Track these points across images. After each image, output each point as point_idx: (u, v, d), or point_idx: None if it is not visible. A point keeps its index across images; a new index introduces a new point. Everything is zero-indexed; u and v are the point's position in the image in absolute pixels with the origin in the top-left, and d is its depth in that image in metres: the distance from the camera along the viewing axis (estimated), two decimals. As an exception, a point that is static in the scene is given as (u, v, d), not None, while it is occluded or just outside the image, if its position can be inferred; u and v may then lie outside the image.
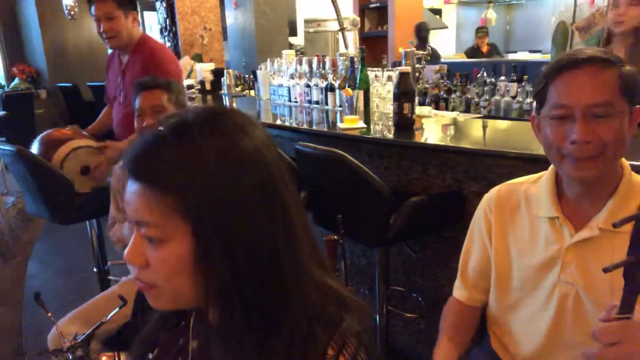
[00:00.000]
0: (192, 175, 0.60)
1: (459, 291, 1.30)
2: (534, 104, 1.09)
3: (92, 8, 2.31)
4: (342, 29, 4.09)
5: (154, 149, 0.63)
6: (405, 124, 2.12)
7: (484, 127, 2.34)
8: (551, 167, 1.13)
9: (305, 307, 0.64)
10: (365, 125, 2.24)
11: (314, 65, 2.81)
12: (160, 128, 0.64)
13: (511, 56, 5.56)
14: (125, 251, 0.65)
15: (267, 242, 0.63)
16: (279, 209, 0.64)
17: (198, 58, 5.28)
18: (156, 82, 1.83)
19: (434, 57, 5.47)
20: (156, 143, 0.63)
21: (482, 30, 6.07)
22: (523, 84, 3.71)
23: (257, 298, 0.63)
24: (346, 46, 4.10)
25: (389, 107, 2.44)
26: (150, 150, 0.63)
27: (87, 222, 2.53)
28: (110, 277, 2.59)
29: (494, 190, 1.23)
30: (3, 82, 7.52)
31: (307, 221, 0.70)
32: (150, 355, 0.79)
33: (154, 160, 0.62)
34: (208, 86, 4.32)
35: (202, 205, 0.60)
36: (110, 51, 2.64)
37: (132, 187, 0.63)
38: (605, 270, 0.79)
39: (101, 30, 2.31)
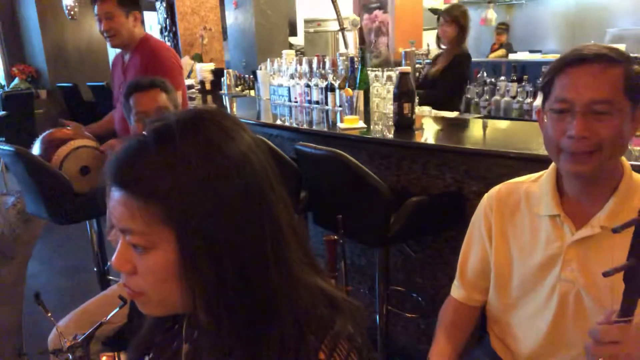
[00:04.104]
0: (175, 183, 0.59)
1: (457, 291, 1.30)
2: (541, 97, 1.09)
3: (95, 7, 2.32)
4: (342, 29, 4.10)
5: (136, 156, 0.61)
6: (405, 124, 2.12)
7: (484, 127, 2.34)
8: (552, 165, 1.13)
9: (295, 311, 0.63)
10: (365, 125, 2.24)
11: (314, 65, 2.81)
12: (143, 133, 0.63)
13: (511, 56, 5.55)
14: (113, 258, 0.64)
15: (253, 248, 0.62)
16: (265, 214, 0.63)
17: (198, 58, 5.28)
18: (154, 82, 1.79)
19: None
20: (138, 150, 0.62)
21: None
22: (523, 84, 3.71)
23: (245, 304, 0.62)
24: (346, 46, 4.10)
25: (389, 107, 2.44)
26: (133, 157, 0.62)
27: (87, 222, 2.53)
28: (110, 277, 2.59)
29: (494, 190, 1.23)
30: (3, 82, 7.52)
31: (296, 223, 0.69)
32: (146, 358, 0.78)
33: (136, 167, 0.61)
34: (208, 86, 4.32)
35: (186, 212, 0.59)
36: (110, 51, 2.65)
37: (115, 195, 0.62)
38: (605, 275, 0.79)
39: (101, 29, 2.33)
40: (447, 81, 3.31)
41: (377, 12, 2.95)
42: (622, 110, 0.97)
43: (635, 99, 0.99)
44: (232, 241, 0.61)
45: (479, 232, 1.24)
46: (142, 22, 2.50)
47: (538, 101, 1.10)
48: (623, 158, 1.06)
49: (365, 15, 3.06)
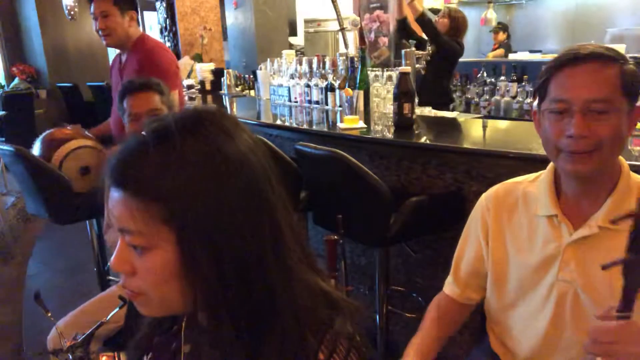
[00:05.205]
0: (175, 183, 0.59)
1: (450, 287, 1.30)
2: (536, 98, 1.09)
3: (91, 6, 2.33)
4: (342, 29, 4.09)
5: (136, 155, 0.61)
6: (405, 124, 2.12)
7: (484, 127, 2.34)
8: (550, 165, 1.13)
9: (295, 311, 0.63)
10: (365, 125, 2.24)
11: (314, 65, 2.81)
12: (143, 133, 0.63)
13: (511, 56, 5.55)
14: (111, 259, 0.64)
15: (253, 248, 0.62)
16: (265, 214, 0.63)
17: (198, 58, 5.29)
18: (147, 84, 1.79)
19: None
20: (138, 150, 0.61)
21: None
22: (523, 84, 3.71)
23: (245, 304, 0.62)
24: (346, 46, 4.10)
25: (389, 107, 2.45)
26: (132, 157, 0.61)
27: (87, 222, 2.53)
28: (110, 277, 2.59)
29: (491, 190, 1.23)
30: (3, 82, 7.53)
31: (296, 223, 0.69)
32: (145, 359, 0.78)
33: (135, 167, 0.61)
34: (208, 86, 4.33)
35: (186, 212, 0.59)
36: (110, 52, 2.66)
37: (114, 195, 0.61)
38: (604, 267, 0.80)
39: (96, 27, 2.33)
40: (435, 64, 3.53)
41: (378, 12, 2.97)
42: (619, 108, 0.98)
43: (631, 98, 0.99)
44: (232, 241, 0.60)
45: (475, 231, 1.24)
46: (139, 22, 2.50)
47: (537, 102, 1.10)
48: (621, 157, 1.06)
49: (367, 15, 3.07)
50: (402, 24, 3.58)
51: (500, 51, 6.16)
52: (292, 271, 0.65)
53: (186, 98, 3.58)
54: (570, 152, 1.00)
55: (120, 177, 0.61)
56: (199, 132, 0.62)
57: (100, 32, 2.35)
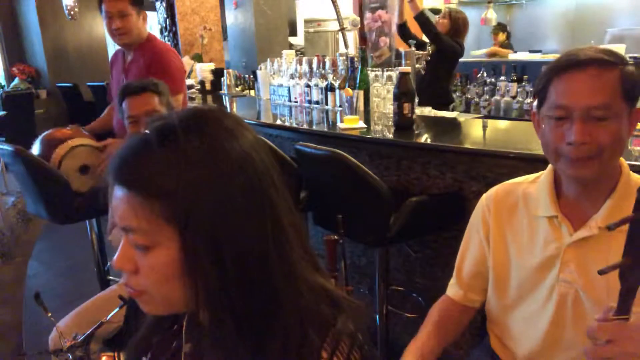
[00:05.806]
0: (178, 181, 0.59)
1: (453, 290, 1.30)
2: (535, 100, 1.08)
3: (103, 5, 2.31)
4: (342, 29, 4.09)
5: (139, 154, 0.61)
6: (405, 124, 2.12)
7: (484, 127, 2.34)
8: (550, 166, 1.13)
9: (297, 310, 0.63)
10: (365, 125, 2.24)
11: (314, 65, 2.81)
12: (146, 132, 0.63)
13: (511, 56, 5.55)
14: (114, 258, 0.64)
15: (256, 246, 0.62)
16: (268, 213, 0.63)
17: (198, 58, 5.28)
18: (144, 86, 1.80)
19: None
20: (141, 148, 0.62)
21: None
22: (523, 84, 3.72)
23: (247, 302, 0.62)
24: (346, 46, 4.10)
25: (389, 107, 2.45)
26: (135, 156, 0.62)
27: (87, 222, 2.53)
28: (110, 277, 2.59)
29: (492, 191, 1.23)
30: (3, 82, 7.52)
31: (299, 223, 0.69)
32: (144, 359, 0.78)
33: (138, 165, 0.61)
34: (208, 86, 4.32)
35: (189, 211, 0.59)
36: (110, 51, 2.66)
37: (117, 193, 0.62)
38: (601, 273, 0.79)
39: (113, 27, 2.32)
40: (435, 64, 3.54)
41: (380, 11, 2.97)
42: (619, 113, 0.97)
43: (631, 101, 0.99)
44: (235, 239, 0.61)
45: (476, 233, 1.24)
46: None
47: (536, 102, 1.09)
48: (621, 158, 1.06)
49: (369, 15, 3.07)
50: (402, 28, 3.58)
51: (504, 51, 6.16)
52: (294, 269, 0.65)
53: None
54: (571, 159, 0.99)
55: (123, 175, 0.61)
56: (202, 131, 0.62)
57: (115, 32, 2.34)
